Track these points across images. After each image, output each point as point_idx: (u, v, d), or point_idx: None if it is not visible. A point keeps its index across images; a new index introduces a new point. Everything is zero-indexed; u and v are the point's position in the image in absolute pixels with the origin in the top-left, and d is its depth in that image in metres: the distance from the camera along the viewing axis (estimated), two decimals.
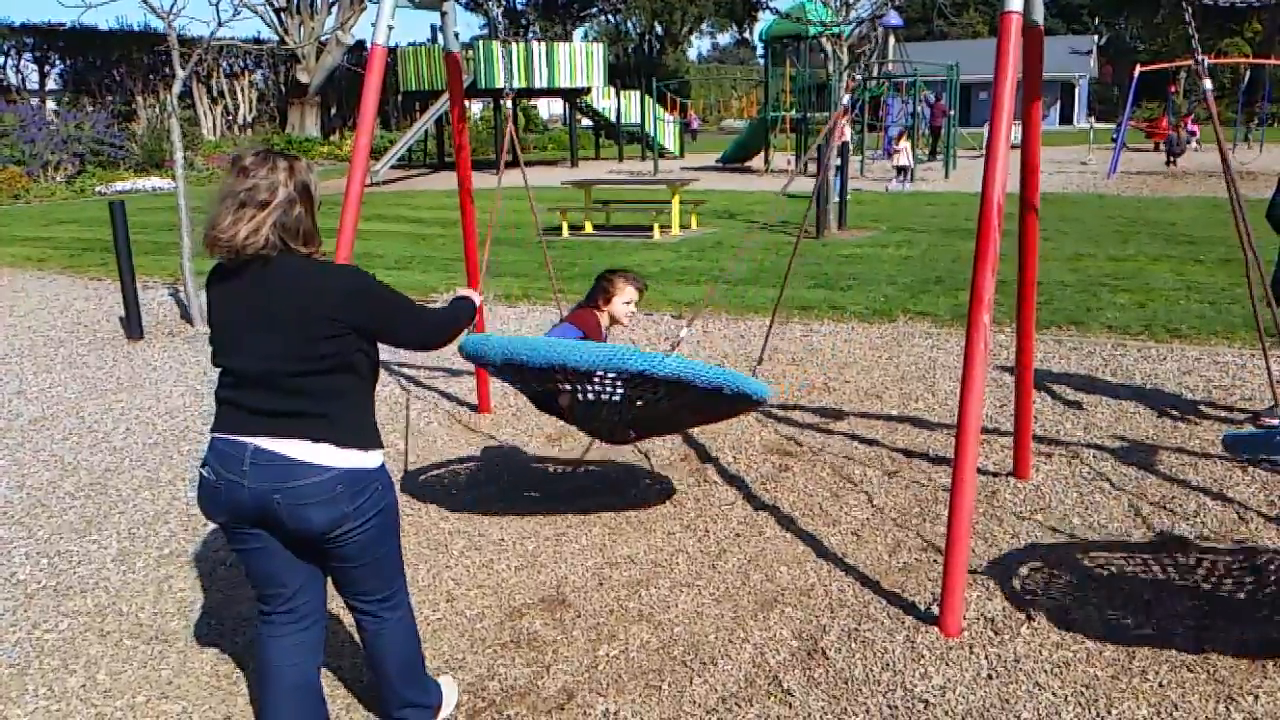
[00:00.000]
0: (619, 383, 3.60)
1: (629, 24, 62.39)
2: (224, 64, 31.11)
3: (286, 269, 2.38)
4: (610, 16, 61.13)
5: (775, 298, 8.68)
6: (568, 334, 4.03)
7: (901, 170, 18.79)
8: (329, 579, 2.70)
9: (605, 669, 3.22)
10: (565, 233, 13.39)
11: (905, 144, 19.14)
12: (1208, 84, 3.74)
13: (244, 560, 2.58)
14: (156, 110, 26.22)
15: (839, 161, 13.23)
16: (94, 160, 23.01)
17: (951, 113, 22.75)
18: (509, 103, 4.96)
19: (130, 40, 31.81)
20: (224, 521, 2.50)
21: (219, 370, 2.49)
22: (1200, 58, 3.67)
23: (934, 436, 5.29)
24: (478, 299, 3.06)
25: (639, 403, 3.70)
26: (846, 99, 4.91)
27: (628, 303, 4.19)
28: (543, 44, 26.41)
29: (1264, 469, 3.23)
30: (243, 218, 2.31)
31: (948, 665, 3.16)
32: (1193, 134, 26.97)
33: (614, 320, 4.23)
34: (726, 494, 4.61)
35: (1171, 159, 22.00)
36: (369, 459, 2.51)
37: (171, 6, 8.34)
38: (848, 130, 18.36)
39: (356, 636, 3.41)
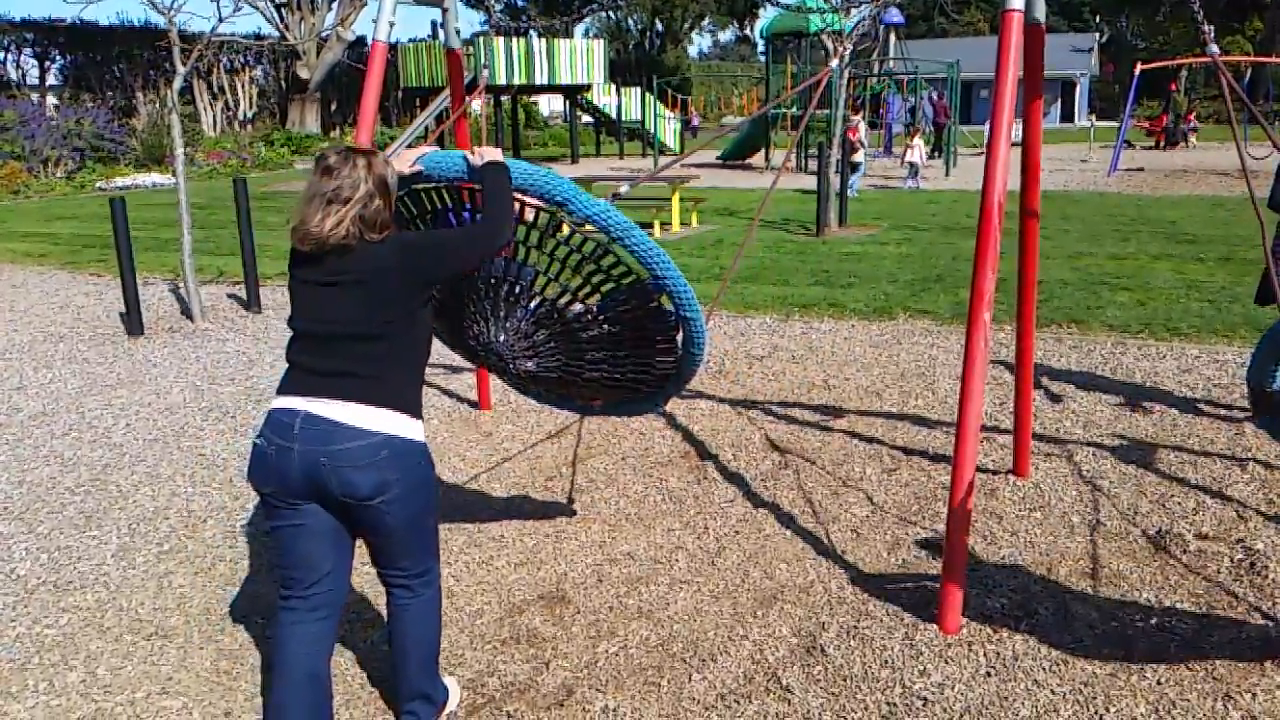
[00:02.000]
0: (532, 240, 3.12)
1: (630, 21, 62.34)
2: (224, 60, 31.09)
3: (360, 250, 2.55)
4: (611, 14, 61.07)
5: (776, 295, 8.70)
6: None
7: (913, 167, 18.85)
8: (352, 565, 2.75)
9: (605, 666, 3.22)
10: (565, 230, 13.36)
11: (919, 141, 19.18)
12: (1214, 49, 3.72)
13: (279, 538, 2.65)
14: (157, 106, 26.20)
15: (839, 157, 13.21)
16: (94, 156, 23.00)
17: (953, 118, 22.73)
18: (482, 87, 4.95)
19: (131, 36, 31.79)
20: (271, 491, 2.58)
21: (290, 334, 2.65)
22: (1206, 28, 3.65)
23: (933, 434, 5.29)
24: (500, 154, 2.87)
25: (548, 293, 3.20)
26: (834, 63, 4.84)
27: None
28: (543, 40, 26.38)
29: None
30: (330, 213, 2.51)
31: (946, 663, 3.17)
32: (1193, 129, 26.91)
33: None
34: (726, 491, 4.62)
35: (1167, 146, 21.87)
36: (414, 429, 2.63)
37: (172, 2, 8.33)
38: (862, 127, 18.37)
39: (354, 641, 3.42)
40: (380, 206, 2.55)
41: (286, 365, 2.67)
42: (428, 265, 2.61)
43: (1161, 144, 26.42)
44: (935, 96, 25.12)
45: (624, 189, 3.66)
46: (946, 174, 21.15)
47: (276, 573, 2.72)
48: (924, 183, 19.10)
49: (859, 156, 17.59)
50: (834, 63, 4.86)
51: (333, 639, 2.73)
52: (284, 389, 2.63)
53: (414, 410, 2.65)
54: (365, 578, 3.78)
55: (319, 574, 2.64)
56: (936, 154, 23.70)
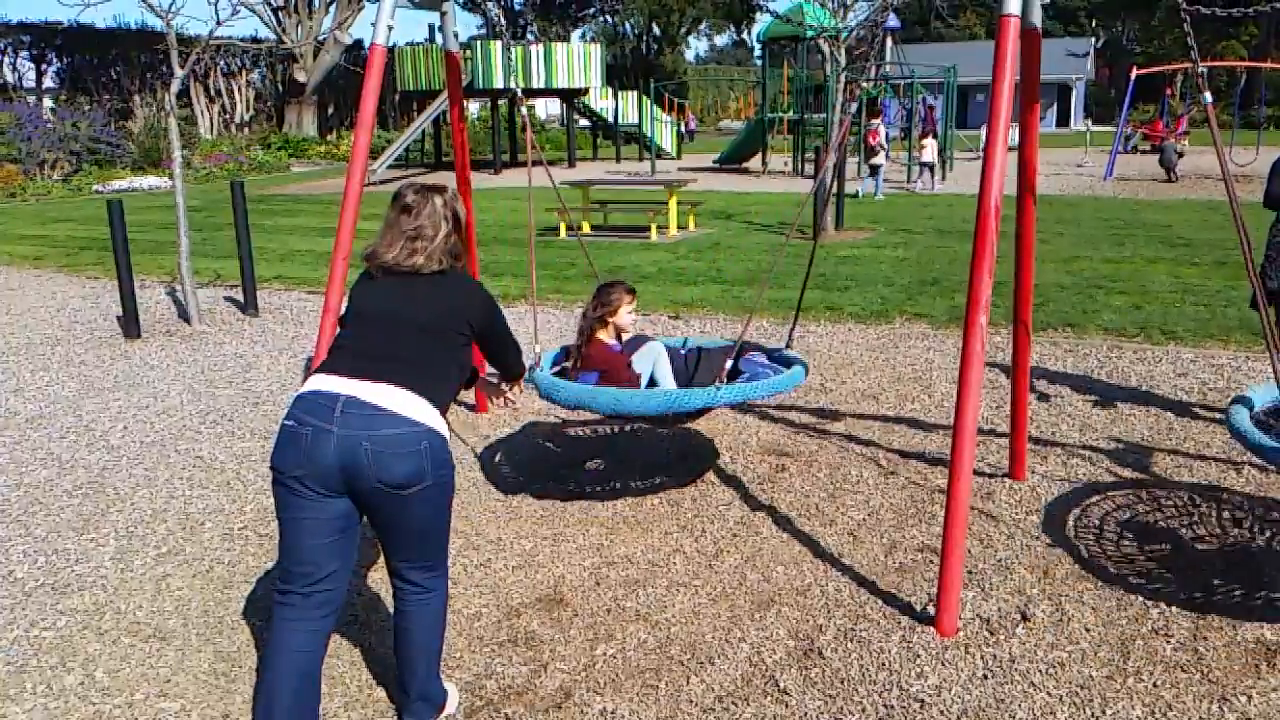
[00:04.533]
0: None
1: (627, 25, 62.40)
2: (221, 63, 31.10)
3: (448, 277, 2.80)
4: (608, 17, 61.14)
5: (772, 299, 8.71)
6: (592, 380, 4.53)
7: (927, 168, 19.01)
8: (353, 566, 2.77)
9: (603, 668, 3.23)
10: (563, 233, 13.39)
11: (930, 142, 19.35)
12: (1208, 97, 3.75)
13: (287, 530, 2.64)
14: (154, 109, 26.20)
15: (835, 160, 13.23)
16: (90, 159, 22.99)
17: (945, 124, 22.81)
18: (522, 106, 5.09)
19: (128, 39, 31.83)
20: (298, 476, 2.56)
21: (349, 314, 2.81)
22: (1201, 70, 3.67)
23: (930, 437, 5.30)
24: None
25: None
26: (853, 107, 5.06)
27: (630, 311, 4.67)
28: (540, 44, 26.41)
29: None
30: (418, 250, 2.73)
31: (943, 665, 3.17)
32: (1184, 134, 26.88)
33: (620, 330, 4.68)
34: (723, 494, 4.62)
35: (1170, 173, 21.21)
36: (446, 430, 2.71)
37: (170, 5, 8.34)
38: (882, 130, 18.51)
39: (354, 643, 3.42)
40: (457, 239, 2.81)
41: (330, 353, 2.77)
42: (493, 327, 2.92)
43: (1153, 148, 26.41)
44: (930, 100, 25.12)
45: (728, 364, 4.44)
46: (943, 178, 21.19)
47: (278, 566, 2.68)
48: (918, 186, 19.18)
49: (879, 159, 17.77)
50: (852, 106, 5.01)
51: (328, 638, 2.73)
52: (324, 369, 2.68)
53: (445, 413, 2.73)
54: (366, 580, 3.78)
55: (324, 572, 2.64)
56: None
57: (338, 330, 2.85)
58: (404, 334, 2.68)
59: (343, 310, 2.92)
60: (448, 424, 2.74)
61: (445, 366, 2.74)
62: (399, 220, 2.77)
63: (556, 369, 4.71)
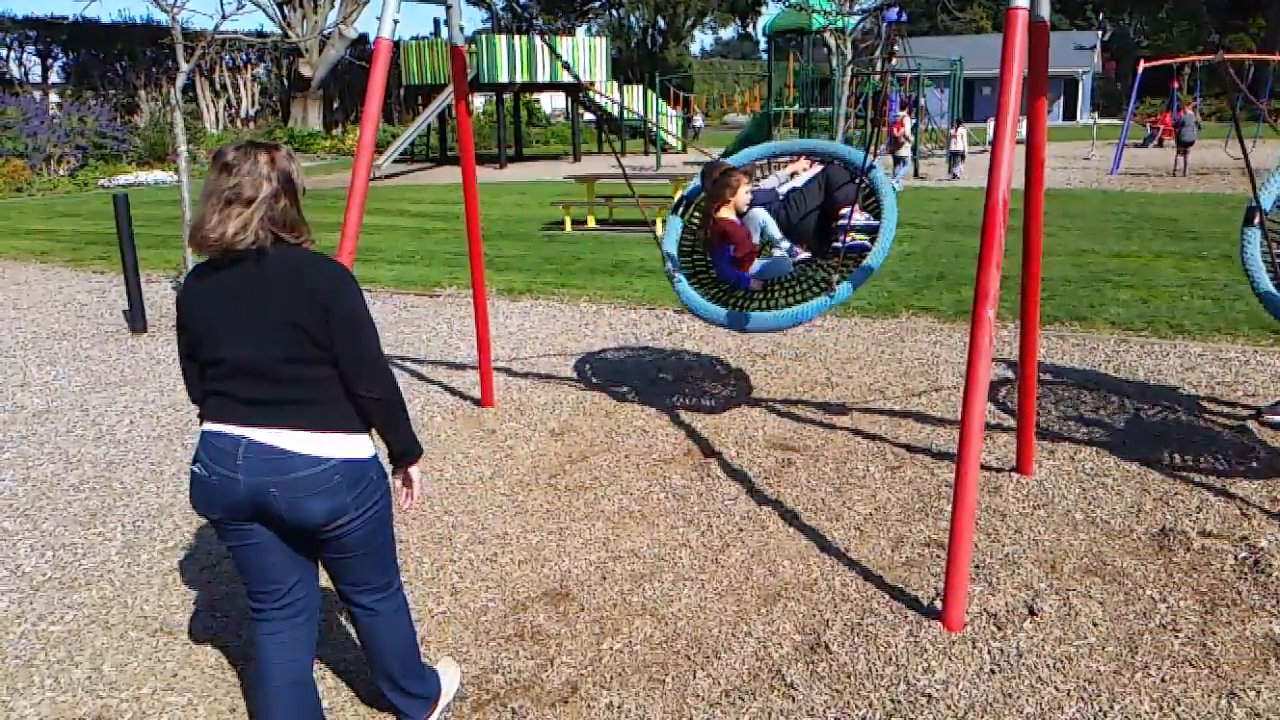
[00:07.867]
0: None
1: (632, 19, 62.28)
2: (227, 57, 31.11)
3: (280, 260, 2.37)
4: (613, 11, 61.05)
5: None
6: (730, 270, 5.23)
7: (955, 155, 19.13)
8: (323, 571, 2.69)
9: (609, 662, 3.23)
10: (568, 227, 13.38)
11: (962, 130, 19.48)
12: (1220, 56, 3.75)
13: (238, 557, 2.55)
14: (159, 103, 26.22)
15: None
16: (96, 153, 23.03)
17: (931, 120, 22.89)
18: (589, 95, 5.35)
19: (133, 33, 31.86)
20: (219, 518, 2.47)
21: (203, 363, 2.44)
22: (1219, 48, 3.68)
23: (937, 432, 5.29)
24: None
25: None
26: (897, 46, 5.41)
27: (748, 190, 5.23)
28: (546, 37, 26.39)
29: None
30: (230, 215, 2.29)
31: (950, 660, 3.17)
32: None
33: (738, 208, 5.26)
34: (730, 489, 4.62)
35: (1181, 156, 20.77)
36: (363, 448, 2.50)
37: (175, 0, 8.33)
38: (907, 123, 18.57)
39: (355, 640, 3.42)
40: (287, 206, 2.38)
41: (206, 396, 2.46)
42: (341, 309, 2.38)
43: (1162, 143, 26.33)
44: (917, 98, 24.87)
45: (837, 280, 4.90)
46: (948, 171, 21.13)
47: (245, 589, 2.63)
48: (924, 180, 19.13)
49: (904, 151, 17.99)
50: (895, 53, 5.28)
51: (314, 642, 2.69)
52: (215, 416, 2.44)
53: (361, 426, 2.49)
54: None
55: (289, 584, 2.57)
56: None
57: (203, 365, 2.43)
58: (275, 374, 2.36)
59: (178, 314, 2.47)
60: (367, 434, 2.51)
61: (335, 382, 2.42)
62: (217, 181, 2.31)
63: (685, 262, 5.47)
